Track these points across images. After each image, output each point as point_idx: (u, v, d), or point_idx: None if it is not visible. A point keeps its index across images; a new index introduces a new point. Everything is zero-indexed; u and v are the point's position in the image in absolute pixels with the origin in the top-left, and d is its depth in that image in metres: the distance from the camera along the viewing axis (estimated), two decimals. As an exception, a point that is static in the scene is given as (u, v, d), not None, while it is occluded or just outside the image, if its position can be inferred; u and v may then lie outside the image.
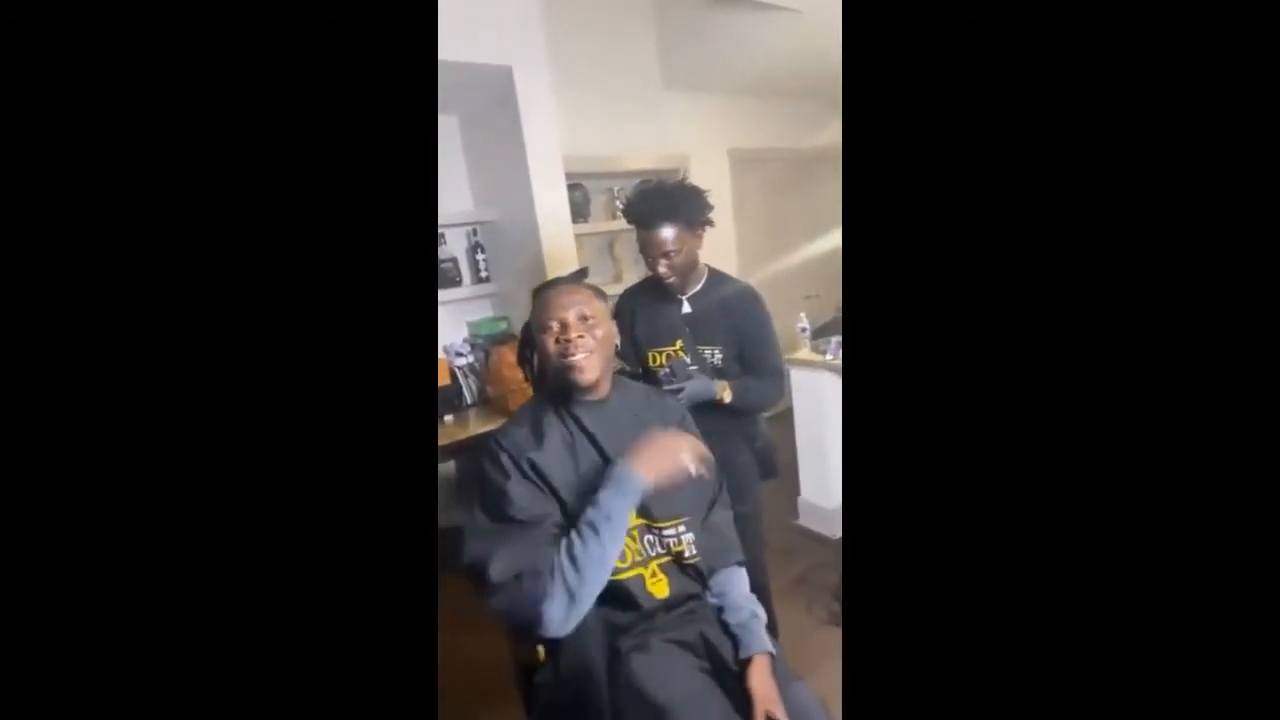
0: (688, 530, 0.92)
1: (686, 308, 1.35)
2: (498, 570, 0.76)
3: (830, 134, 3.68)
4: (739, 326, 1.33)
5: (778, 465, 1.49)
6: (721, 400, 1.29)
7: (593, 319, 0.89)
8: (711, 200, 1.30)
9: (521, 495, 0.82)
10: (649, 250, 1.27)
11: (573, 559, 0.75)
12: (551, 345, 0.88)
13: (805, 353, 2.15)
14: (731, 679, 0.86)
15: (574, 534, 0.77)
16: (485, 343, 2.23)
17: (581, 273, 1.00)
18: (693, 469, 0.82)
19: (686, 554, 0.90)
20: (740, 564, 0.98)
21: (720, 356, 1.33)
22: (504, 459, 0.85)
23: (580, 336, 0.86)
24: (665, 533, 0.90)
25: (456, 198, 2.28)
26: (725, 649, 0.89)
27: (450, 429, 1.98)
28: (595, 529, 0.76)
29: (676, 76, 2.87)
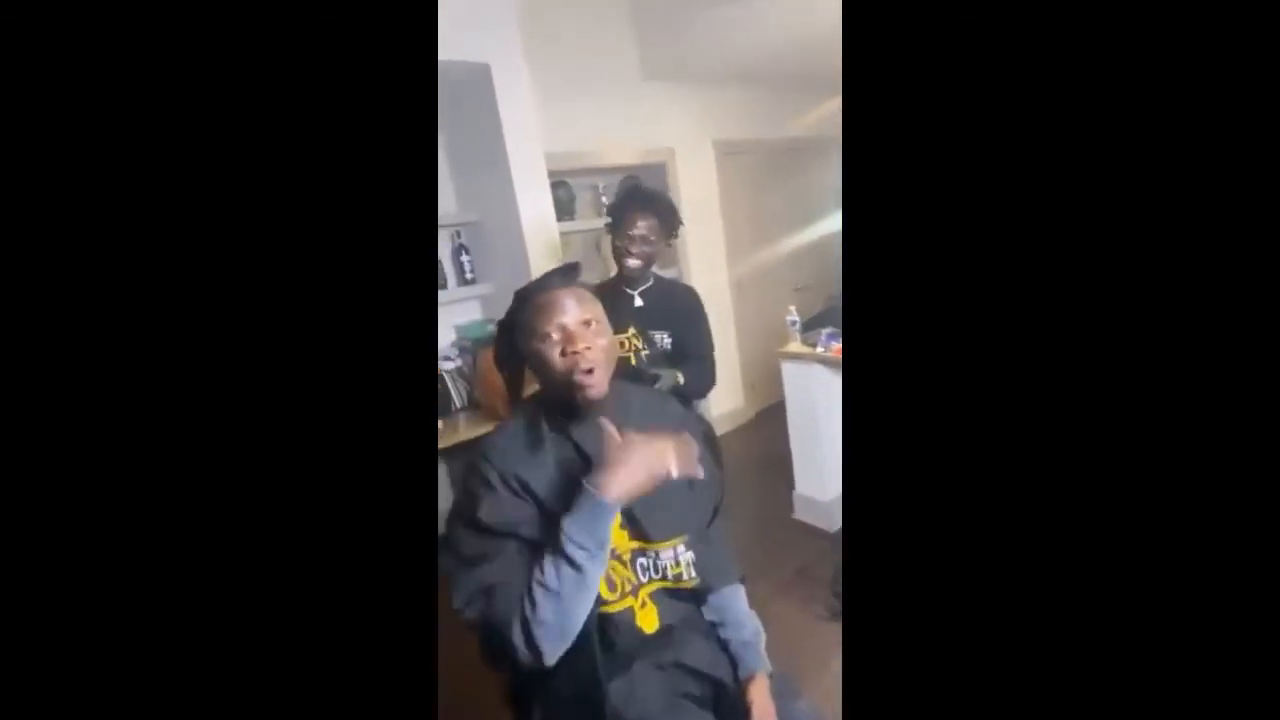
0: (687, 549, 0.85)
1: (638, 301, 1.59)
2: (465, 587, 0.73)
3: (818, 120, 3.65)
4: (682, 316, 1.58)
5: (721, 451, 1.59)
6: (678, 384, 1.46)
7: (596, 324, 0.80)
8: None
9: (505, 505, 0.76)
10: (628, 230, 1.51)
11: (545, 588, 0.69)
12: (556, 357, 0.78)
13: (796, 345, 2.13)
14: (726, 699, 0.84)
15: (547, 563, 0.70)
16: (473, 346, 2.21)
17: (573, 269, 0.86)
18: (673, 471, 0.72)
19: (685, 575, 0.84)
20: (740, 581, 0.93)
21: (669, 341, 1.55)
22: (490, 473, 0.77)
23: (588, 348, 0.77)
24: (662, 555, 0.84)
25: (439, 199, 2.24)
26: (719, 669, 0.85)
27: (440, 433, 1.95)
28: (572, 562, 0.69)
29: (657, 67, 2.83)
